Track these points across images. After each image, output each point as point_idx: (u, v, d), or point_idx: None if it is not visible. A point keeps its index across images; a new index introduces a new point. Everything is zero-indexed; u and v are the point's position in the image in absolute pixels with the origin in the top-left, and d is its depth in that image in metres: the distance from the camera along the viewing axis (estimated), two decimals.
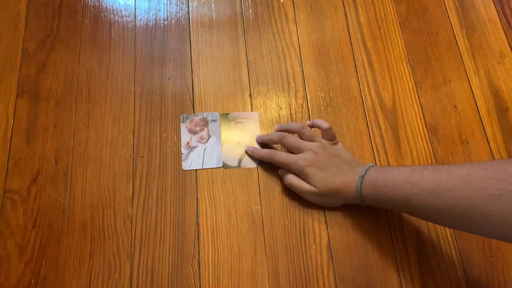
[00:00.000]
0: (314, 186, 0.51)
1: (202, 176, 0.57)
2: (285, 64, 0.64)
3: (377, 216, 0.55)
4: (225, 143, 0.59)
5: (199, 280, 0.51)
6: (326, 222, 0.54)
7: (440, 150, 0.59)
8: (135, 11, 0.67)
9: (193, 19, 0.66)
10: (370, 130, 0.60)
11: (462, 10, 0.68)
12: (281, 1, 0.68)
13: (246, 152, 0.58)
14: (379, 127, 0.60)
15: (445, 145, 0.59)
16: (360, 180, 0.49)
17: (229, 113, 0.60)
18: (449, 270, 0.52)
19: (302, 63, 0.64)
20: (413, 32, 0.67)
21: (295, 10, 0.68)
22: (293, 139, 0.54)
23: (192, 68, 0.63)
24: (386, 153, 0.59)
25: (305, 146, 0.53)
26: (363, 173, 0.49)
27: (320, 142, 0.54)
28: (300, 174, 0.53)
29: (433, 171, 0.43)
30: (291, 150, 0.55)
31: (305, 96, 0.62)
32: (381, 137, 0.60)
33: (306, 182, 0.52)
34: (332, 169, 0.51)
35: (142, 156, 0.57)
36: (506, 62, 0.65)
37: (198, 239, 0.53)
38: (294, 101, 0.62)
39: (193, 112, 0.60)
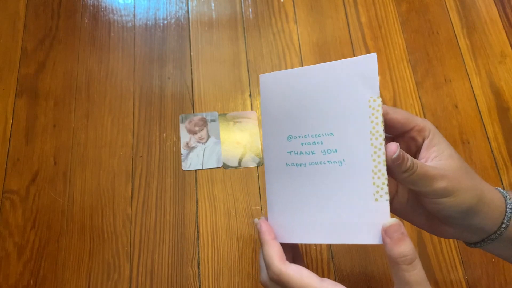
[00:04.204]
0: None
1: (202, 176, 0.56)
2: (285, 64, 0.64)
3: None
4: (225, 143, 0.58)
5: (199, 281, 0.51)
6: None
7: None
8: (134, 10, 0.67)
9: (193, 19, 0.66)
10: None
11: (463, 9, 0.68)
12: (281, 0, 0.68)
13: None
14: None
15: None
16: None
17: (227, 113, 0.60)
18: (450, 271, 0.52)
19: (302, 63, 0.64)
20: (414, 32, 0.66)
21: (295, 10, 0.67)
22: None
23: (192, 67, 0.63)
24: None
25: None
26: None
27: None
28: None
29: None
30: None
31: None
32: None
33: None
34: None
35: (141, 156, 0.57)
36: (507, 62, 0.64)
37: (198, 240, 0.53)
38: None
39: (193, 112, 0.60)
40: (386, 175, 0.32)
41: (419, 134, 0.35)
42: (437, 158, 0.34)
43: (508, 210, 0.34)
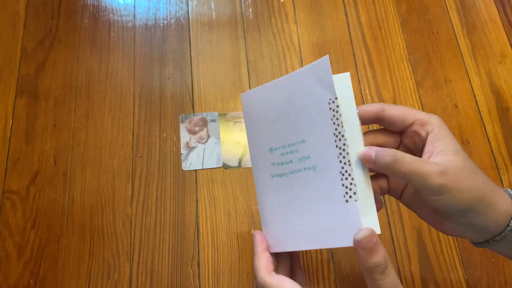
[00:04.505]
0: None
1: (202, 176, 0.56)
2: (285, 64, 0.64)
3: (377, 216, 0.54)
4: (225, 143, 0.58)
5: (199, 281, 0.51)
6: None
7: None
8: (134, 10, 0.67)
9: (193, 18, 0.66)
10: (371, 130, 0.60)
11: (463, 9, 0.68)
12: (281, 0, 0.68)
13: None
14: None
15: None
16: None
17: (227, 113, 0.60)
18: (450, 271, 0.52)
19: (302, 63, 0.64)
20: (414, 32, 0.66)
21: (295, 10, 0.67)
22: None
23: (192, 67, 0.63)
24: None
25: None
26: None
27: None
28: None
29: None
30: None
31: None
32: None
33: None
34: None
35: (141, 156, 0.57)
36: (507, 62, 0.64)
37: (198, 240, 0.53)
38: None
39: (193, 112, 0.60)
40: (353, 175, 0.32)
41: (422, 128, 0.34)
42: (442, 153, 0.33)
43: None
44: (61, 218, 0.54)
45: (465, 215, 0.33)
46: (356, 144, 0.33)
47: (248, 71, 0.63)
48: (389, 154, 0.32)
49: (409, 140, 0.36)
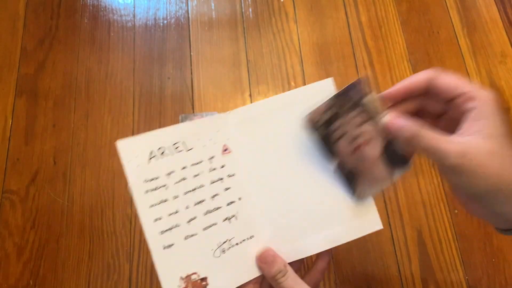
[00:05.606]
0: None
1: None
2: (285, 64, 0.64)
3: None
4: None
5: None
6: None
7: None
8: (134, 10, 0.67)
9: (193, 18, 0.66)
10: None
11: (464, 9, 0.68)
12: (281, 0, 0.68)
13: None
14: None
15: None
16: None
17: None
18: (450, 271, 0.52)
19: (302, 63, 0.64)
20: (414, 31, 0.66)
21: (295, 9, 0.67)
22: None
23: (192, 67, 0.63)
24: None
25: None
26: None
27: None
28: None
29: None
30: None
31: None
32: None
33: None
34: None
35: None
36: (507, 61, 0.64)
37: None
38: None
39: (193, 112, 0.60)
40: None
41: (467, 103, 0.32)
42: (475, 133, 0.31)
43: None
44: (60, 218, 0.54)
45: (482, 201, 0.32)
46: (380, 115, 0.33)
47: (248, 71, 0.63)
48: (410, 129, 0.31)
49: (453, 111, 0.34)
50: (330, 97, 0.33)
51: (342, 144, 0.34)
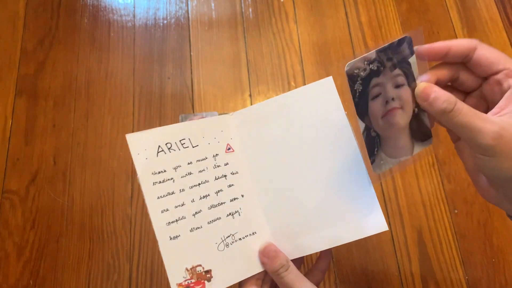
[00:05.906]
0: None
1: None
2: (285, 64, 0.64)
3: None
4: None
5: None
6: None
7: (441, 150, 0.59)
8: (134, 10, 0.67)
9: (193, 18, 0.66)
10: None
11: (464, 9, 0.68)
12: (281, 0, 0.68)
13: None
14: None
15: (446, 145, 0.59)
16: None
17: (227, 113, 0.60)
18: (450, 271, 0.52)
19: (302, 63, 0.64)
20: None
21: (295, 9, 0.67)
22: None
23: (192, 67, 0.63)
24: None
25: None
26: None
27: None
28: None
29: None
30: None
31: None
32: None
33: None
34: None
35: None
36: None
37: None
38: None
39: (193, 112, 0.60)
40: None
41: (506, 79, 0.30)
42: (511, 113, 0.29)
43: None
44: (60, 218, 0.54)
45: (508, 186, 0.30)
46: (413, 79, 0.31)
47: (248, 71, 0.63)
48: (446, 100, 0.28)
49: (489, 88, 0.32)
50: (371, 53, 0.30)
51: (376, 104, 0.32)
